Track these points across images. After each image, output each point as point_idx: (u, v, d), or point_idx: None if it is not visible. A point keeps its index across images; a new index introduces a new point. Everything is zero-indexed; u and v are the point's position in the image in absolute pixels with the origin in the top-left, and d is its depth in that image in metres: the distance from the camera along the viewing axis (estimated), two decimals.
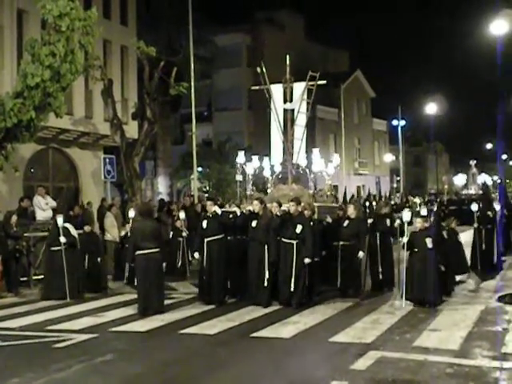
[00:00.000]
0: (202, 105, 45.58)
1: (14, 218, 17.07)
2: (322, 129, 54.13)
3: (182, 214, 19.81)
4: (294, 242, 14.00)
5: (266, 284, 14.04)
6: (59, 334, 11.59)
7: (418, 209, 33.26)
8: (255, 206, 14.63)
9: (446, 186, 69.38)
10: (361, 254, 15.30)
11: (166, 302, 14.59)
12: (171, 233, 20.38)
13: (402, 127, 59.43)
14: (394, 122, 60.31)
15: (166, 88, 26.85)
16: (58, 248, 15.65)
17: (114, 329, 12.03)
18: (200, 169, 36.97)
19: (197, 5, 29.18)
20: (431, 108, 59.06)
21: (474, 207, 19.39)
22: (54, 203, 21.39)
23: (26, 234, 17.72)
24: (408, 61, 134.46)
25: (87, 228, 17.29)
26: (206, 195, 33.30)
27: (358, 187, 55.92)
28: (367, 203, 36.13)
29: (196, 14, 29.24)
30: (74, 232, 16.24)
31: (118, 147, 25.63)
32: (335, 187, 37.31)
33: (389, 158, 64.99)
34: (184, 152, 42.87)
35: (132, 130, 28.10)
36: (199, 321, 12.47)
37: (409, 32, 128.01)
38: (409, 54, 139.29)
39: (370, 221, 16.70)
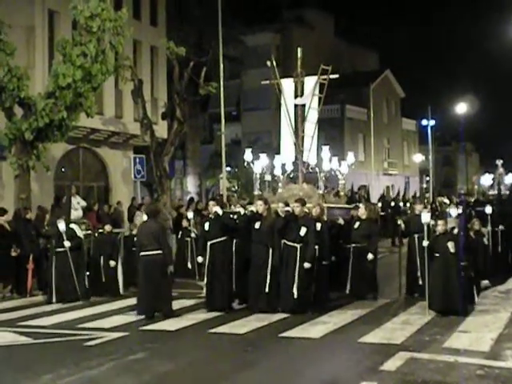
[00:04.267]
0: (230, 104, 45.65)
1: (47, 217, 17.24)
2: (351, 129, 53.94)
3: (190, 214, 19.33)
4: (298, 246, 13.26)
5: (267, 290, 13.30)
6: (90, 332, 11.71)
7: (448, 209, 32.84)
8: (259, 207, 13.80)
9: (475, 187, 68.83)
10: (370, 256, 14.65)
11: (196, 301, 14.63)
12: (180, 233, 20.04)
13: (431, 127, 59.01)
14: (424, 122, 59.88)
15: (195, 88, 26.96)
16: (63, 249, 15.37)
17: (144, 327, 12.12)
18: (229, 168, 37.04)
19: (226, 5, 29.25)
20: (461, 108, 58.58)
21: (488, 209, 18.78)
22: (84, 203, 21.60)
23: None
24: (438, 61, 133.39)
25: (108, 227, 16.90)
26: (235, 195, 33.35)
27: (388, 187, 55.63)
28: (393, 203, 35.87)
29: (225, 14, 29.28)
30: (79, 233, 16.00)
31: (148, 147, 25.77)
32: (364, 187, 37.12)
33: (418, 157, 64.52)
34: (213, 151, 42.98)
35: (162, 129, 28.26)
36: (228, 320, 12.49)
37: (439, 32, 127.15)
38: (439, 53, 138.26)
39: (400, 222, 16.18)
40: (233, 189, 39.28)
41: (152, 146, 25.22)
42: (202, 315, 13.18)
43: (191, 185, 41.36)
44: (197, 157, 41.67)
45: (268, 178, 18.13)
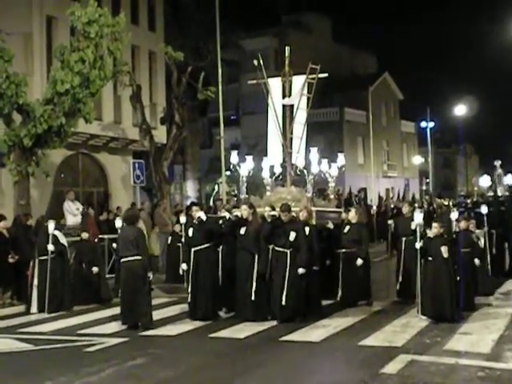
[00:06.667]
0: (229, 109, 45.66)
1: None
2: (350, 131, 53.94)
3: (183, 219, 18.33)
4: (288, 251, 12.73)
5: (253, 297, 12.79)
6: (90, 338, 11.69)
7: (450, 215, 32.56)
8: (243, 211, 13.29)
9: (475, 188, 68.78)
10: (359, 261, 14.14)
11: None
12: (170, 238, 19.74)
13: (430, 129, 59.05)
14: (423, 124, 59.94)
15: (193, 92, 27.01)
16: (46, 257, 14.78)
17: (144, 333, 12.08)
18: (228, 173, 36.98)
19: (224, 9, 29.25)
20: (460, 109, 58.63)
21: (484, 209, 18.33)
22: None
23: None
24: (437, 63, 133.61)
25: (84, 235, 16.46)
26: (235, 199, 33.31)
27: (387, 190, 55.59)
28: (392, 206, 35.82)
29: (223, 18, 29.28)
30: (63, 240, 15.41)
31: (147, 152, 25.81)
32: (364, 190, 37.11)
33: (418, 160, 64.53)
34: (212, 156, 43.00)
35: (161, 134, 28.26)
36: (228, 325, 12.47)
37: (438, 33, 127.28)
38: (438, 55, 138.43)
39: (390, 222, 16.05)
40: (232, 193, 39.21)
41: (151, 151, 25.26)
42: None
43: (191, 189, 41.34)
44: (196, 161, 41.68)
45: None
